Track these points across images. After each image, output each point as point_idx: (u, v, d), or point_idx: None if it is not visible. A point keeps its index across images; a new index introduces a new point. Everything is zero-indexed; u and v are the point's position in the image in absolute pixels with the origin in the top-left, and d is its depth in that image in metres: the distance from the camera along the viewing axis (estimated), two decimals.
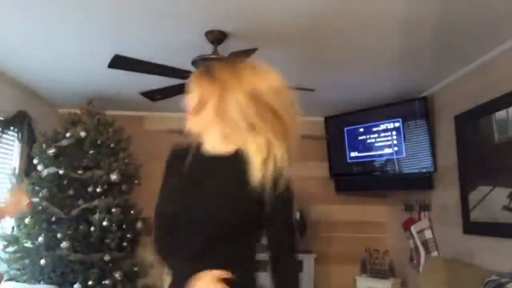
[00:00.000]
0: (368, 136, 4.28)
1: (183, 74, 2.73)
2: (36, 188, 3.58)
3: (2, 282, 3.35)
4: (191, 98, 1.30)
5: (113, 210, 3.67)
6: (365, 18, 2.47)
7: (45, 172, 3.61)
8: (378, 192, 4.80)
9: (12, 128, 3.77)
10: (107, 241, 3.60)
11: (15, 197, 2.50)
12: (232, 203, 1.20)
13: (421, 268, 3.78)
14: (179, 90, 2.91)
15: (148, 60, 2.66)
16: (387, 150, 4.10)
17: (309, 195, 4.83)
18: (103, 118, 4.04)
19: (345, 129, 4.47)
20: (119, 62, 2.62)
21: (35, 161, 3.67)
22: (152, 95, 3.16)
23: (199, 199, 1.21)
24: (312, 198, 4.83)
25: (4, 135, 3.70)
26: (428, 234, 3.79)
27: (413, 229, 3.95)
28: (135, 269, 3.80)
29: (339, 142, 4.52)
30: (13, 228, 3.66)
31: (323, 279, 4.67)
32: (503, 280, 2.36)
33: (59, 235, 3.47)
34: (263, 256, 1.25)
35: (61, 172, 3.61)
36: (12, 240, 3.50)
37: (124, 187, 3.90)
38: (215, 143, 1.28)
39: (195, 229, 1.20)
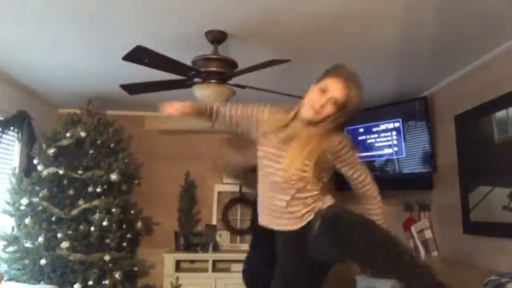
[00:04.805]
0: (368, 136, 4.27)
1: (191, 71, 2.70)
2: (36, 188, 3.58)
3: (2, 282, 3.35)
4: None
5: (113, 210, 3.67)
6: (365, 18, 2.47)
7: (45, 172, 3.61)
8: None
9: (12, 128, 3.76)
10: (107, 241, 3.60)
11: None
12: None
13: None
14: None
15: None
16: (387, 150, 4.10)
17: None
18: (103, 118, 4.04)
19: (345, 129, 4.46)
20: (138, 55, 2.44)
21: (35, 161, 3.67)
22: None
23: None
24: None
25: (4, 135, 3.70)
26: (428, 234, 3.79)
27: (413, 229, 3.95)
28: (135, 269, 3.81)
29: None
30: (13, 228, 3.66)
31: None
32: (503, 280, 2.36)
33: (59, 235, 3.47)
34: None
35: (61, 172, 3.61)
36: (12, 240, 3.49)
37: (124, 187, 3.90)
38: None
39: None
